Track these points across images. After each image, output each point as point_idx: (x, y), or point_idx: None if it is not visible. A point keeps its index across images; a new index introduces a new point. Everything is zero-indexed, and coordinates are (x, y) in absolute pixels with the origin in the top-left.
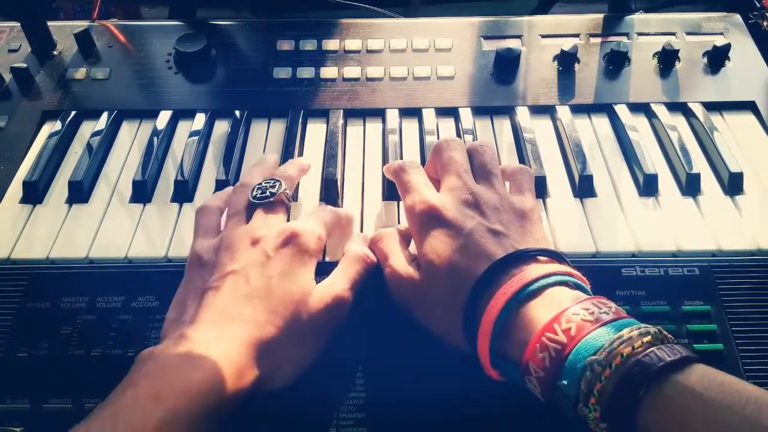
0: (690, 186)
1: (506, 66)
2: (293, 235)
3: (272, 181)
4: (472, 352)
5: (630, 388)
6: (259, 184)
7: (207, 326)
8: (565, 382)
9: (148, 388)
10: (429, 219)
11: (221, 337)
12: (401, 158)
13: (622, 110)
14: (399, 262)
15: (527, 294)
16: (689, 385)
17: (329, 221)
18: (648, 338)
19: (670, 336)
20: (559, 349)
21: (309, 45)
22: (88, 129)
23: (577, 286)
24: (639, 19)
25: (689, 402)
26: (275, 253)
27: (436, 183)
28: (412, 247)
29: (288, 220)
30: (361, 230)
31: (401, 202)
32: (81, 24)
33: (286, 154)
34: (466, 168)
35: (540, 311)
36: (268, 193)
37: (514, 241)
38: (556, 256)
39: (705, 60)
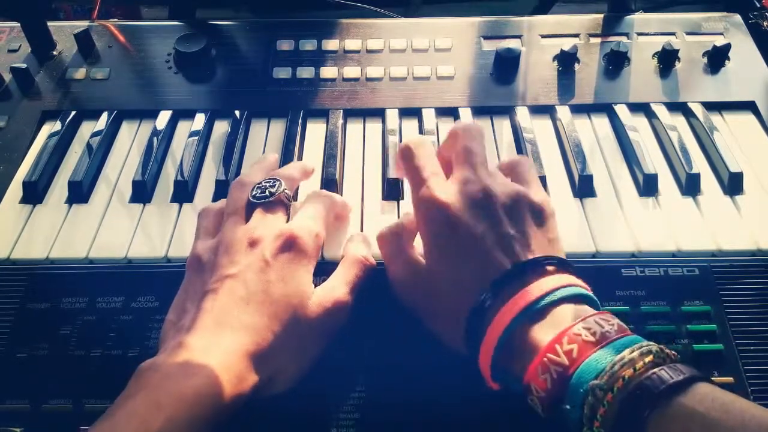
0: (690, 186)
1: (506, 66)
2: (292, 238)
3: (272, 181)
4: (473, 362)
5: (633, 411)
6: (259, 183)
7: (205, 332)
8: (568, 407)
9: (147, 398)
10: (437, 218)
11: (219, 344)
12: None
13: (622, 110)
14: (404, 263)
15: (531, 313)
16: (691, 407)
17: (326, 212)
18: (650, 357)
19: (672, 353)
20: (560, 371)
21: (309, 45)
22: (87, 129)
23: (582, 297)
24: (639, 19)
25: (692, 424)
26: (273, 258)
27: (447, 166)
28: (418, 241)
29: (288, 220)
30: (361, 230)
31: (401, 202)
32: (81, 24)
33: (286, 154)
34: (482, 160)
35: (543, 331)
36: (267, 193)
37: (524, 245)
38: (562, 265)
39: (705, 60)
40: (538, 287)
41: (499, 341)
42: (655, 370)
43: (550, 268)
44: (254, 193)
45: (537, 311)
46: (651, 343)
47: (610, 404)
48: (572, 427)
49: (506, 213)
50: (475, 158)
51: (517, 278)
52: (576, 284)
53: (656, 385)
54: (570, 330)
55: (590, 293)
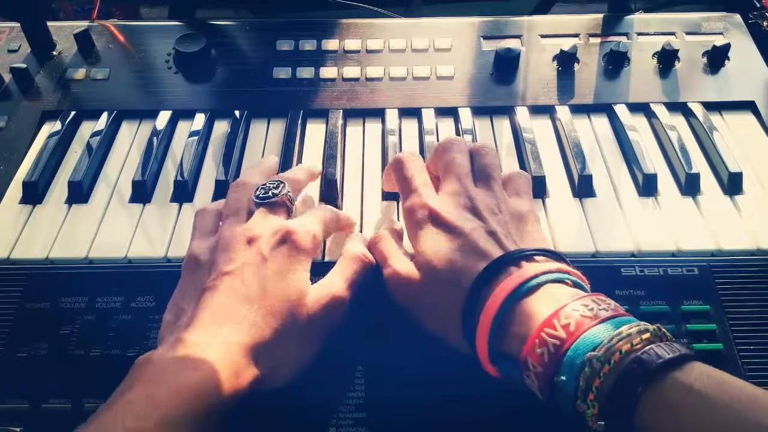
0: (689, 186)
1: (506, 66)
2: (288, 233)
3: (276, 182)
4: (470, 352)
5: (628, 384)
6: (264, 184)
7: (203, 328)
8: (563, 378)
9: (145, 392)
10: (428, 222)
11: (218, 339)
12: None
13: (621, 110)
14: (398, 263)
15: (525, 290)
16: (687, 383)
17: (327, 220)
18: (647, 335)
19: (668, 334)
20: (558, 344)
21: (309, 45)
22: (87, 129)
23: (575, 284)
24: (639, 19)
25: (687, 400)
26: (270, 252)
27: (436, 180)
28: (410, 247)
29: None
30: (361, 230)
31: (400, 203)
32: (81, 24)
33: (286, 154)
34: (466, 171)
35: (539, 307)
36: (270, 194)
37: (512, 242)
38: (554, 255)
39: (705, 60)
40: (531, 268)
41: (494, 319)
42: (652, 346)
43: (540, 257)
44: (258, 193)
45: (531, 288)
46: (648, 323)
47: (605, 376)
48: (566, 402)
49: (491, 216)
50: (460, 169)
51: (509, 263)
52: (569, 271)
53: (653, 360)
54: (567, 306)
55: (583, 282)
